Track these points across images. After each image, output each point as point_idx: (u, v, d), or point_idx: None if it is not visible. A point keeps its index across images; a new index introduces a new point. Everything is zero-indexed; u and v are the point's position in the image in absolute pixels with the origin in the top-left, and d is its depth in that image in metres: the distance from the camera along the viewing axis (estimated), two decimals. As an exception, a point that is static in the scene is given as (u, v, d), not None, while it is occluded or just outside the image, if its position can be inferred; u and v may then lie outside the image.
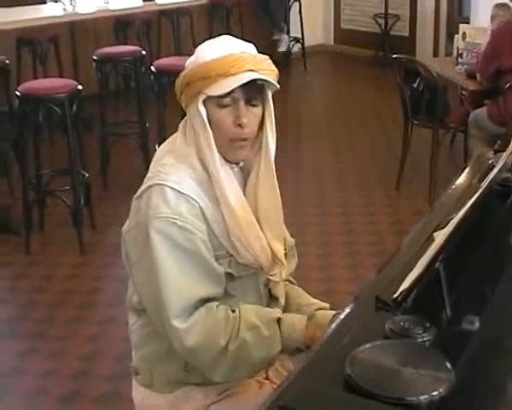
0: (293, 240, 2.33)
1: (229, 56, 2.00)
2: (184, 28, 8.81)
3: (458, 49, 6.09)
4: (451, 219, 1.88)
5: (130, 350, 3.89)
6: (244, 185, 2.15)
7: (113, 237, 5.39)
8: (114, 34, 8.15)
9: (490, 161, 2.37)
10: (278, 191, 2.19)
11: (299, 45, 10.60)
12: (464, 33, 6.08)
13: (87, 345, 4.05)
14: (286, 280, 2.28)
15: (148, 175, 2.08)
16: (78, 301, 4.53)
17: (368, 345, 1.34)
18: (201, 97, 2.01)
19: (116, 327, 4.20)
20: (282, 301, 2.23)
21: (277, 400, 1.24)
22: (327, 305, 2.31)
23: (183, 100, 2.08)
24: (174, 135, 2.16)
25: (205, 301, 2.02)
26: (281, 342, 2.04)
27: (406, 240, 2.02)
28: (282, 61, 9.18)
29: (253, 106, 2.05)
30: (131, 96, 7.07)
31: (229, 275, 2.08)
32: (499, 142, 5.47)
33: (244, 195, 2.13)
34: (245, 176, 2.16)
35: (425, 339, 1.39)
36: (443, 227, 1.84)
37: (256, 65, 2.02)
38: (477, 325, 1.47)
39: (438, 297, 1.51)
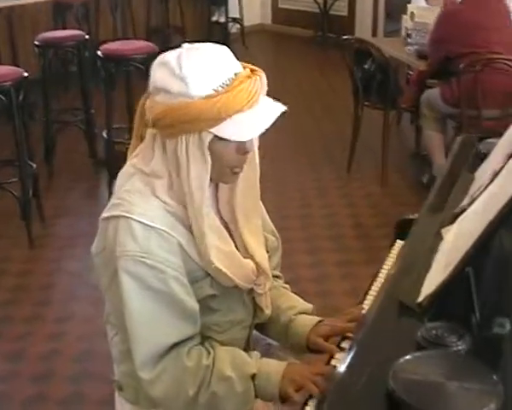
0: (274, 238, 2.20)
1: (242, 90, 1.76)
2: (123, 10, 8.61)
3: (407, 30, 6.05)
4: (457, 213, 1.82)
5: (90, 349, 3.84)
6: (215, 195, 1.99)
7: (62, 230, 5.25)
8: (53, 19, 7.91)
9: (478, 149, 2.32)
10: (258, 181, 2.03)
11: (237, 26, 10.49)
12: (412, 13, 6.05)
13: (46, 344, 3.91)
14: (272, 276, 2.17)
15: (113, 200, 1.89)
16: (32, 299, 4.37)
17: (408, 357, 1.27)
18: (207, 136, 1.77)
19: (74, 325, 4.08)
20: (268, 311, 2.11)
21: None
22: (309, 307, 2.20)
23: (162, 130, 1.82)
24: (137, 153, 1.93)
25: (176, 344, 1.87)
26: (254, 396, 1.90)
27: (411, 234, 1.92)
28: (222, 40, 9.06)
29: None
30: (74, 82, 6.87)
31: (211, 296, 1.95)
32: (452, 121, 5.52)
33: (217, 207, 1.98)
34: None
35: (460, 348, 1.32)
36: (450, 222, 1.79)
37: (263, 87, 1.82)
38: (508, 327, 1.40)
39: (465, 301, 1.44)
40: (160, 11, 9.08)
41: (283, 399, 1.89)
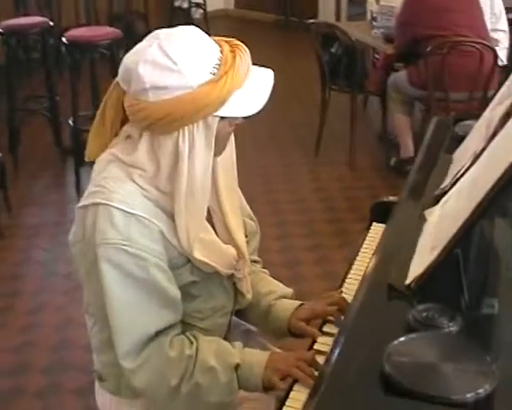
0: (253, 222, 2.18)
1: (239, 65, 1.76)
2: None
3: (372, 13, 6.06)
4: (439, 195, 1.83)
5: (65, 338, 3.81)
6: None
7: (30, 219, 5.19)
8: (14, 5, 7.80)
9: (455, 131, 2.33)
10: (235, 163, 2.03)
11: (200, 11, 10.44)
12: (378, -4, 6.07)
13: (19, 337, 3.86)
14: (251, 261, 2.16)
15: (91, 188, 1.85)
16: (2, 290, 4.32)
17: (402, 339, 1.27)
18: (214, 120, 1.76)
19: (46, 315, 4.04)
20: (249, 296, 2.09)
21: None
22: (289, 291, 2.20)
23: (160, 128, 1.77)
24: (116, 141, 1.90)
25: (158, 333, 1.85)
26: (237, 386, 1.88)
27: (392, 217, 1.93)
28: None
29: None
30: (37, 70, 6.79)
31: (192, 282, 1.93)
32: (419, 104, 5.55)
33: None
34: None
35: (452, 329, 1.33)
36: (433, 204, 1.80)
37: (249, 56, 1.83)
38: (497, 307, 1.41)
39: (453, 282, 1.45)
40: (122, -3, 9.01)
41: (267, 388, 1.89)
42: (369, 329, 1.38)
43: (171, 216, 1.84)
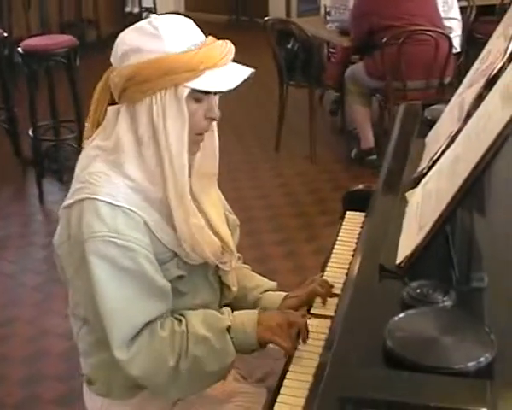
0: (234, 217, 2.20)
1: (217, 46, 1.83)
2: (36, 6, 8.45)
3: (326, 8, 6.12)
4: (418, 177, 1.87)
5: (39, 350, 3.78)
6: None
7: (-6, 231, 5.15)
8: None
9: (424, 116, 2.37)
10: (217, 151, 2.06)
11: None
12: (330, -9, 6.13)
13: (-8, 350, 3.82)
14: None
15: (75, 186, 1.87)
16: (-30, 305, 4.27)
17: (401, 315, 1.30)
18: (184, 90, 1.80)
19: (18, 327, 4.00)
20: (235, 289, 2.11)
21: (328, 390, 1.18)
22: (273, 284, 2.23)
23: (133, 92, 1.81)
24: (93, 138, 1.93)
25: (149, 322, 1.87)
26: (234, 350, 1.91)
27: (372, 204, 1.96)
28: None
29: (216, 94, 1.91)
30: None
31: (178, 277, 1.94)
32: (378, 95, 5.62)
33: None
34: None
35: (447, 303, 1.36)
36: (413, 186, 1.83)
37: (232, 50, 1.88)
38: (486, 280, 1.45)
39: (442, 259, 1.49)
40: (72, 4, 8.93)
41: (263, 345, 1.93)
42: (366, 309, 1.41)
43: (159, 209, 1.86)
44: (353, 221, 2.48)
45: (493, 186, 1.72)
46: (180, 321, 1.91)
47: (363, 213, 2.46)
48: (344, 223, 2.49)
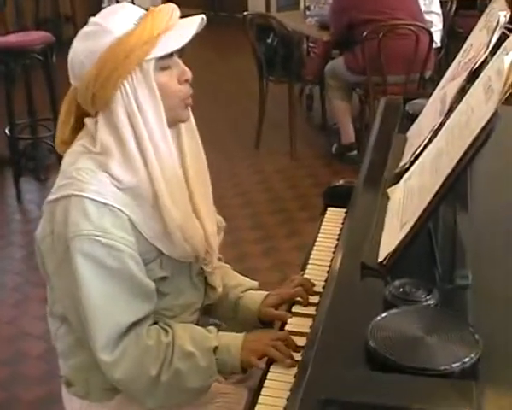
0: (221, 218, 2.19)
1: (161, 10, 1.82)
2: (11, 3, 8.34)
3: (305, 2, 6.08)
4: (399, 172, 1.84)
5: (17, 351, 3.72)
6: None
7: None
8: None
9: (406, 110, 2.34)
10: (202, 150, 2.06)
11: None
12: (310, -15, 6.10)
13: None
14: None
15: (62, 181, 1.84)
16: None
17: (383, 315, 1.26)
18: (149, 65, 1.79)
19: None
20: (220, 289, 2.10)
21: (310, 392, 1.14)
22: (255, 283, 2.21)
23: (102, 90, 1.80)
24: (82, 134, 1.91)
25: (134, 324, 1.84)
26: (216, 369, 1.89)
27: (354, 200, 1.93)
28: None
29: (180, 57, 1.90)
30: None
31: (161, 278, 1.92)
32: (358, 90, 5.59)
33: None
34: None
35: (430, 302, 1.33)
36: (394, 182, 1.80)
37: (177, 10, 1.86)
38: (470, 278, 1.42)
39: (425, 256, 1.45)
40: (48, 1, 8.84)
41: (244, 369, 1.91)
42: (348, 308, 1.37)
43: (149, 204, 1.83)
44: (334, 217, 2.45)
45: (477, 181, 1.69)
46: (166, 332, 1.89)
47: (344, 210, 2.43)
48: (325, 219, 2.46)
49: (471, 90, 1.63)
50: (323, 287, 2.00)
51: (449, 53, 6.26)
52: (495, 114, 1.30)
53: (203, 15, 1.87)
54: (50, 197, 1.85)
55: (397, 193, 1.70)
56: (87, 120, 1.89)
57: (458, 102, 1.70)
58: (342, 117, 5.68)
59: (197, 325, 2.08)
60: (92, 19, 1.85)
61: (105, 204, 1.78)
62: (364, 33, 5.00)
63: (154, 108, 1.82)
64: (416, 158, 1.78)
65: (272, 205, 5.19)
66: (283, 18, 5.93)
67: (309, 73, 5.96)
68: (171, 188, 1.86)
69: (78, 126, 1.93)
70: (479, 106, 1.45)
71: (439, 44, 5.65)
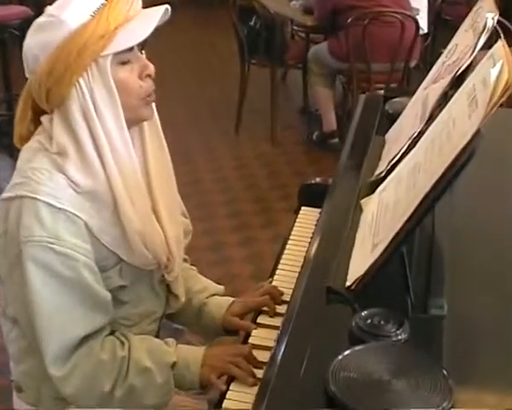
0: (188, 221, 2.08)
1: (120, 0, 1.67)
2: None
3: (290, -16, 5.93)
4: (374, 182, 1.72)
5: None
6: None
7: None
8: None
9: (385, 109, 2.22)
10: (167, 150, 1.90)
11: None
12: (294, -32, 5.93)
13: None
14: None
15: (17, 179, 1.72)
16: None
17: (346, 353, 1.14)
18: (105, 60, 1.66)
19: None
20: (183, 299, 1.99)
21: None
22: (220, 288, 2.12)
23: (57, 87, 1.68)
24: (40, 130, 1.79)
25: (87, 337, 1.73)
26: (173, 385, 1.80)
27: (325, 209, 1.80)
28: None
29: (141, 52, 1.76)
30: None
31: (120, 287, 1.81)
32: (341, 76, 5.47)
33: None
34: None
35: (400, 337, 1.21)
36: (368, 193, 1.68)
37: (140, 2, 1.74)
38: (446, 308, 1.30)
39: (397, 282, 1.33)
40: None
41: (203, 386, 1.81)
42: (309, 339, 1.25)
43: (107, 207, 1.72)
44: (307, 218, 2.35)
45: (455, 200, 1.57)
46: (123, 344, 1.79)
47: (318, 210, 2.31)
48: (297, 220, 2.36)
49: (454, 98, 1.51)
50: (289, 302, 1.89)
51: (435, 41, 6.14)
52: (477, 133, 1.18)
53: (167, 6, 1.72)
54: (5, 195, 1.73)
55: (370, 206, 1.58)
56: (43, 118, 1.76)
57: (440, 110, 1.59)
58: (324, 104, 5.55)
59: (158, 332, 1.99)
60: (48, 8, 1.71)
61: (59, 209, 1.66)
62: (349, 19, 4.86)
63: (112, 108, 1.69)
64: (393, 167, 1.66)
65: (250, 193, 5.07)
66: (268, 0, 5.78)
67: (291, 57, 5.83)
68: (131, 192, 1.74)
69: (37, 122, 1.81)
70: (461, 119, 1.33)
71: (425, 31, 5.51)
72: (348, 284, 1.33)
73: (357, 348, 1.15)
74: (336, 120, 5.58)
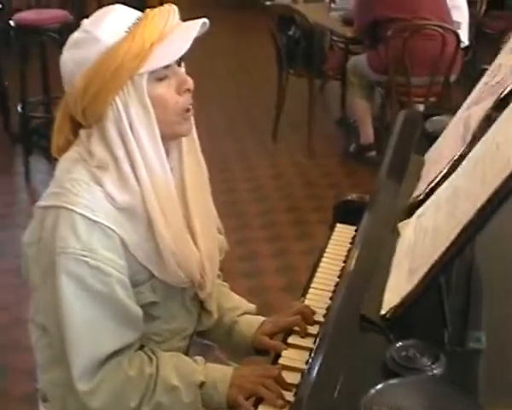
0: (222, 237, 2.03)
1: (156, 15, 1.64)
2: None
3: (331, -6, 5.90)
4: (412, 205, 1.68)
5: (11, 340, 3.59)
6: None
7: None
8: None
9: (425, 128, 2.18)
10: (204, 165, 1.88)
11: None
12: (336, -23, 5.90)
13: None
14: None
15: (54, 188, 1.71)
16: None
17: (379, 386, 1.10)
18: (141, 78, 1.64)
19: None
20: (216, 315, 1.96)
21: None
22: (252, 307, 2.08)
23: (93, 105, 1.66)
24: (78, 143, 1.76)
25: (116, 352, 1.71)
26: (201, 405, 1.76)
27: (360, 232, 1.76)
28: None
29: (180, 65, 1.73)
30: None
31: (151, 303, 1.79)
32: (379, 89, 5.42)
33: None
34: None
35: (436, 371, 1.16)
36: (406, 215, 1.64)
37: (175, 12, 1.70)
38: (484, 341, 1.26)
39: (434, 313, 1.29)
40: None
41: (231, 407, 1.77)
42: (341, 368, 1.21)
43: (142, 224, 1.70)
44: (343, 235, 2.30)
45: (496, 225, 1.52)
46: (151, 360, 1.76)
47: (353, 227, 2.27)
48: (332, 237, 2.31)
49: (498, 121, 1.47)
50: (324, 316, 1.86)
51: (476, 55, 6.07)
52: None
53: (205, 20, 1.69)
54: (41, 203, 1.72)
55: (408, 230, 1.54)
56: (81, 132, 1.75)
57: (482, 132, 1.54)
58: (362, 116, 5.50)
59: (188, 348, 1.96)
60: (84, 22, 1.70)
61: (95, 222, 1.65)
62: (389, 32, 4.80)
63: (147, 125, 1.67)
64: (432, 190, 1.62)
65: (285, 203, 5.03)
66: (307, 10, 5.74)
67: (330, 67, 5.79)
68: (165, 210, 1.72)
69: (76, 133, 1.79)
70: (506, 144, 1.28)
71: (466, 43, 5.43)
72: (383, 312, 1.29)
73: (391, 382, 1.11)
74: (374, 133, 5.52)
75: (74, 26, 5.15)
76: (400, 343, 1.20)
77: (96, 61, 1.63)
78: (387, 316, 1.27)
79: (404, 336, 1.23)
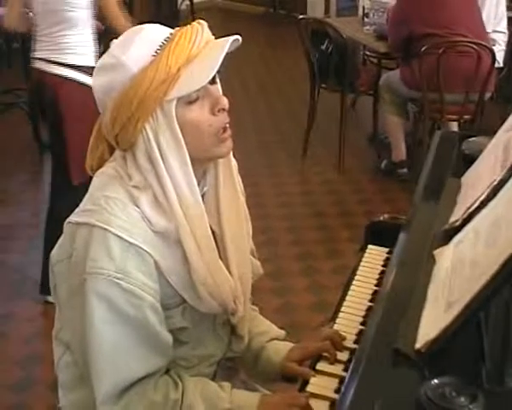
0: (255, 260, 1.96)
1: (182, 37, 1.57)
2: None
3: (364, 9, 5.83)
4: (449, 231, 1.61)
5: (34, 352, 3.56)
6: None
7: (2, 219, 4.97)
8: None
9: (462, 149, 2.11)
10: (239, 189, 1.83)
11: (187, 2, 10.20)
12: (370, -8, 5.84)
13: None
14: None
15: (88, 205, 1.66)
16: None
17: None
18: (170, 105, 1.58)
19: (16, 325, 3.81)
20: (246, 339, 1.90)
21: None
22: (281, 333, 2.02)
23: (124, 133, 1.62)
24: (113, 159, 1.73)
25: (143, 377, 1.66)
26: None
27: (395, 256, 1.70)
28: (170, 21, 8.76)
29: (215, 83, 1.66)
30: (17, 61, 6.55)
31: (181, 328, 1.74)
32: (412, 106, 5.34)
33: None
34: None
35: (474, 412, 1.10)
36: (443, 242, 1.58)
37: (204, 30, 1.62)
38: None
39: (472, 349, 1.22)
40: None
41: None
42: (373, 403, 1.15)
43: (173, 248, 1.65)
44: (374, 258, 2.24)
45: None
46: (176, 386, 1.70)
47: (385, 249, 2.21)
48: (364, 259, 2.25)
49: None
50: (354, 341, 1.80)
51: (511, 74, 5.97)
52: None
53: (237, 36, 1.62)
54: (73, 219, 1.67)
55: (444, 258, 1.47)
56: (117, 154, 1.71)
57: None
58: (395, 133, 5.42)
59: (215, 373, 1.90)
60: (112, 45, 1.65)
61: (130, 243, 1.59)
62: (423, 48, 4.72)
63: (177, 153, 1.61)
64: (470, 216, 1.55)
65: (314, 220, 4.96)
66: (340, 24, 5.69)
67: (362, 83, 5.73)
68: (198, 240, 1.66)
69: (110, 154, 1.75)
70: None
71: (501, 65, 5.35)
72: (418, 346, 1.22)
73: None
74: (406, 150, 5.44)
75: (108, 36, 5.17)
76: (436, 380, 1.14)
77: (123, 90, 1.59)
78: (423, 350, 1.21)
79: (439, 372, 1.17)
